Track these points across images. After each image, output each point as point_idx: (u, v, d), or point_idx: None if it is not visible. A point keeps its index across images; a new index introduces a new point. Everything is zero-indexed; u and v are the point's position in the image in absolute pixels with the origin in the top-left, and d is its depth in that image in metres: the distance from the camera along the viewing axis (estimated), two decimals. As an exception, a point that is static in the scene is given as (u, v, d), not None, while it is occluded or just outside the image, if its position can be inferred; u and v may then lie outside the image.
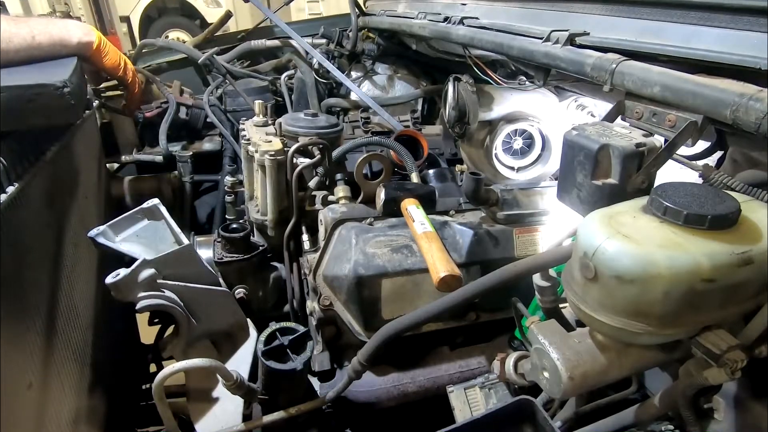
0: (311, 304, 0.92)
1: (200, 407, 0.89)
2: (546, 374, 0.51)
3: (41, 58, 0.92)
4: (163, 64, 1.79)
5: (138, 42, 2.11)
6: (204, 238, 1.24)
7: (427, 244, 0.78)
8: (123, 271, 0.84)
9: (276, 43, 1.74)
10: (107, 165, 1.49)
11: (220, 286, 0.99)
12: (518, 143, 1.07)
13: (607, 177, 0.53)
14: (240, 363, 0.96)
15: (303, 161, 1.03)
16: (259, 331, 0.78)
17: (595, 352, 0.51)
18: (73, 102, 0.79)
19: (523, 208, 0.93)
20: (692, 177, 0.56)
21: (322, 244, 0.92)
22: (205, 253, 1.08)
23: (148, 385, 1.21)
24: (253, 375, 0.91)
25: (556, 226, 0.93)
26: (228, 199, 1.33)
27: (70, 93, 0.77)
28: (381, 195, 0.92)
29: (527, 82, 0.85)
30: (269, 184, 1.02)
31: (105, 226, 0.94)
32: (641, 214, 0.47)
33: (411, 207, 0.88)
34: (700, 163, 0.55)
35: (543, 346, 0.51)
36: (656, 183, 0.52)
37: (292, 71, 1.69)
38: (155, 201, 0.99)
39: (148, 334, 1.14)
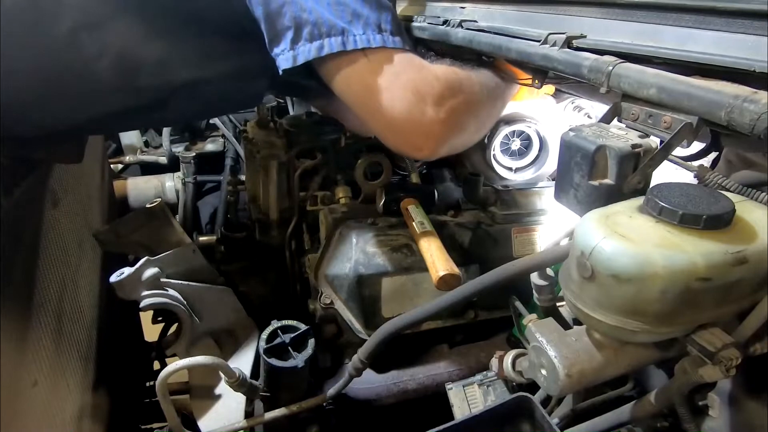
0: (312, 303, 0.93)
1: (203, 404, 0.90)
2: (544, 372, 0.52)
3: None
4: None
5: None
6: (206, 238, 1.25)
7: (427, 244, 0.79)
8: (127, 270, 0.85)
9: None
10: (111, 165, 1.50)
11: (223, 285, 1.00)
12: (516, 144, 1.07)
13: (604, 177, 0.53)
14: (242, 360, 0.97)
15: (304, 162, 1.04)
16: (261, 329, 0.79)
17: (592, 350, 0.51)
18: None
19: (521, 208, 0.94)
20: (688, 177, 0.57)
21: (323, 243, 0.93)
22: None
23: (151, 383, 1.22)
24: (255, 372, 0.92)
25: (554, 225, 0.94)
26: (230, 199, 1.34)
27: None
28: (381, 195, 0.93)
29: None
30: (271, 185, 1.03)
31: (109, 226, 0.95)
32: (637, 214, 0.48)
33: (411, 207, 0.89)
34: (696, 163, 0.55)
35: (541, 344, 0.52)
36: (652, 183, 0.52)
37: (294, 72, 1.69)
38: (159, 201, 1.00)
39: (151, 332, 1.15)
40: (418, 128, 0.65)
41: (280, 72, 0.66)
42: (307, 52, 0.63)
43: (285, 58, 0.64)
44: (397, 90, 0.64)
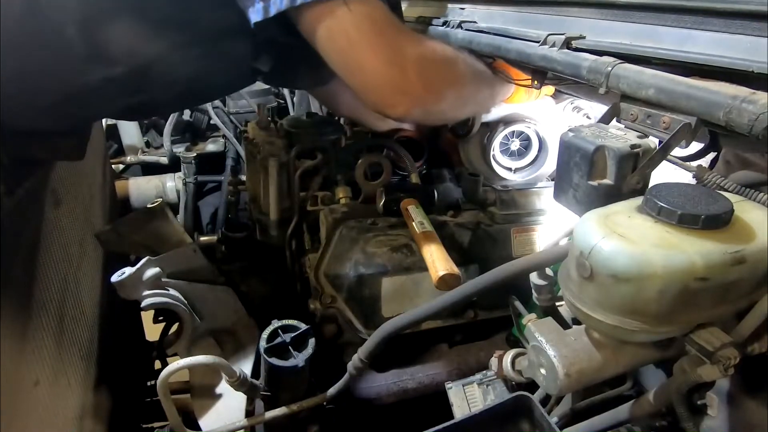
0: (313, 303, 0.93)
1: (204, 403, 0.90)
2: (543, 371, 0.52)
3: None
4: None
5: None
6: (207, 238, 1.25)
7: (427, 244, 0.79)
8: (128, 270, 0.85)
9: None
10: (113, 166, 1.51)
11: (224, 284, 1.00)
12: (515, 144, 1.08)
13: (603, 178, 0.53)
14: (243, 360, 0.97)
15: (305, 162, 1.04)
16: (261, 329, 0.79)
17: (591, 349, 0.51)
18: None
19: (521, 209, 0.94)
20: (686, 178, 0.57)
21: (323, 243, 0.93)
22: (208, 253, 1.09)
23: (152, 382, 1.23)
24: (255, 372, 0.92)
25: (553, 225, 0.94)
26: (231, 199, 1.35)
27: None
28: (381, 195, 0.94)
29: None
30: (271, 185, 1.04)
31: (111, 226, 0.95)
32: (636, 214, 0.48)
33: (411, 207, 0.89)
34: (694, 164, 0.55)
35: (540, 343, 0.52)
36: (651, 183, 0.52)
37: (294, 72, 1.70)
38: (160, 201, 1.00)
39: (152, 331, 1.16)
40: (397, 85, 0.66)
41: (252, 25, 0.62)
42: (279, 2, 0.60)
43: (256, 10, 0.61)
44: (380, 47, 0.63)
